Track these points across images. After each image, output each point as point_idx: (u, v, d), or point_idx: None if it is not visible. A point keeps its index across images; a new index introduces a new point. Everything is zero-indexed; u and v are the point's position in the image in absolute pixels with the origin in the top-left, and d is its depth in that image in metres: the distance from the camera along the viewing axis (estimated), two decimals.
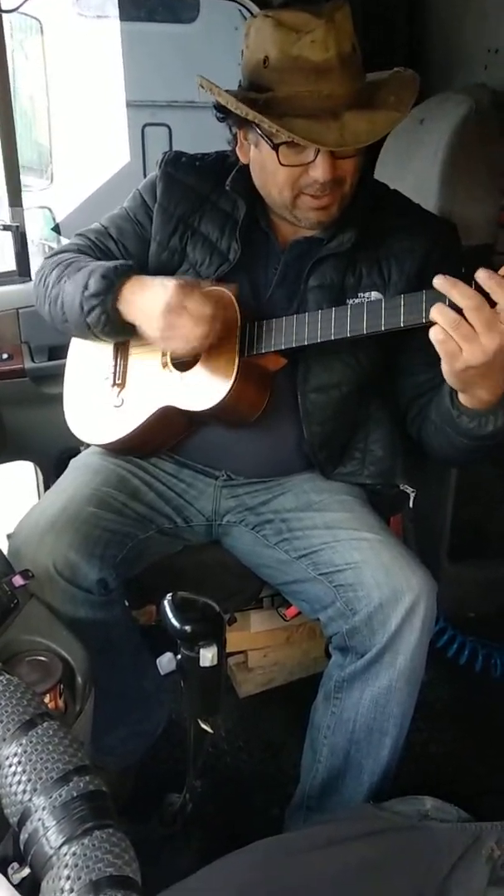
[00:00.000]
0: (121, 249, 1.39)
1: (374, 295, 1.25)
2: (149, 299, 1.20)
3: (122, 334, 1.28)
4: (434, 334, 0.97)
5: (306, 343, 1.19)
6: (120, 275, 1.23)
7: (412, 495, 1.35)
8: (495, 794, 1.52)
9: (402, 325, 1.08)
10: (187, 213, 1.32)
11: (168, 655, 1.05)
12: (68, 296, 1.29)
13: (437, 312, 0.96)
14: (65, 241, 1.46)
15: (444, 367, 1.01)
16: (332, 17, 1.07)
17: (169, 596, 1.03)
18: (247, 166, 1.26)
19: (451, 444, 1.18)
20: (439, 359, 1.01)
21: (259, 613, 1.64)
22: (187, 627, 1.00)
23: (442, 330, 0.96)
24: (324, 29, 1.06)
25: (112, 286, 1.23)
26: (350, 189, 1.19)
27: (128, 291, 1.23)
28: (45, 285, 1.36)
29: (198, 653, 1.00)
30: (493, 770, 1.61)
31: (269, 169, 1.18)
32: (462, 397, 1.09)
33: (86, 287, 1.24)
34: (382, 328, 1.10)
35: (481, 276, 0.93)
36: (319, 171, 1.12)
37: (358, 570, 1.20)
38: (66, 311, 1.30)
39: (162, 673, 1.05)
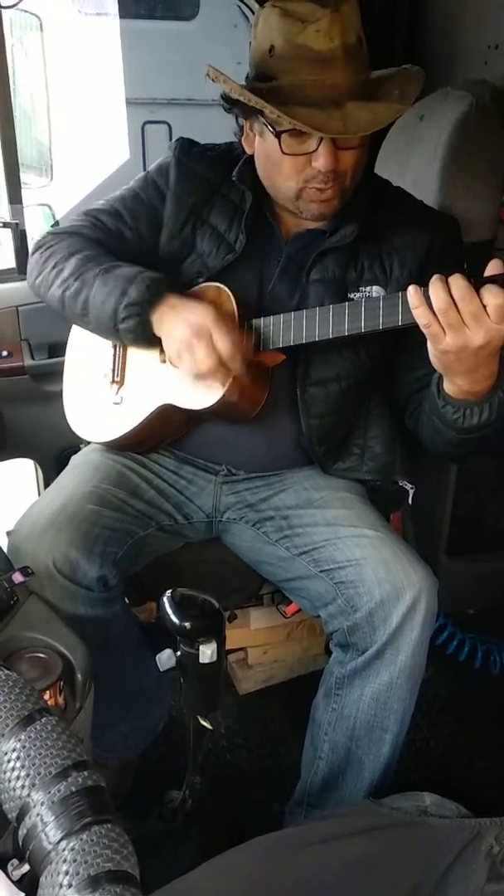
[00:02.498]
0: (135, 236, 1.36)
1: (376, 289, 1.25)
2: (185, 312, 1.18)
3: (147, 344, 1.25)
4: (420, 317, 0.99)
5: (304, 341, 1.19)
6: (163, 288, 1.21)
7: (411, 492, 1.36)
8: (495, 790, 1.53)
9: (399, 323, 1.08)
10: (199, 203, 1.32)
11: (167, 652, 1.05)
12: (98, 296, 1.24)
13: (433, 293, 0.97)
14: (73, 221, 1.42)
15: (429, 348, 1.02)
16: (338, 7, 1.08)
17: (169, 592, 1.03)
18: (252, 158, 1.26)
19: (441, 435, 1.18)
20: None
21: (259, 610, 1.64)
22: (187, 624, 1.00)
23: (427, 313, 0.98)
24: (329, 19, 1.07)
25: (153, 298, 1.20)
26: (352, 182, 1.19)
27: (167, 306, 1.20)
28: (54, 267, 1.31)
29: (197, 649, 1.00)
30: (493, 766, 1.62)
31: (273, 159, 1.18)
32: (446, 385, 1.10)
33: (124, 294, 1.21)
34: (381, 327, 1.11)
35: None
36: (322, 160, 1.12)
37: (359, 566, 1.21)
38: (91, 310, 1.26)
39: (161, 669, 1.06)
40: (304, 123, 1.07)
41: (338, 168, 1.14)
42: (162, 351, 1.30)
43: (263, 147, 1.20)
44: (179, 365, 1.20)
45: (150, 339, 1.23)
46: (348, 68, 1.09)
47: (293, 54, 1.09)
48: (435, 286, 0.97)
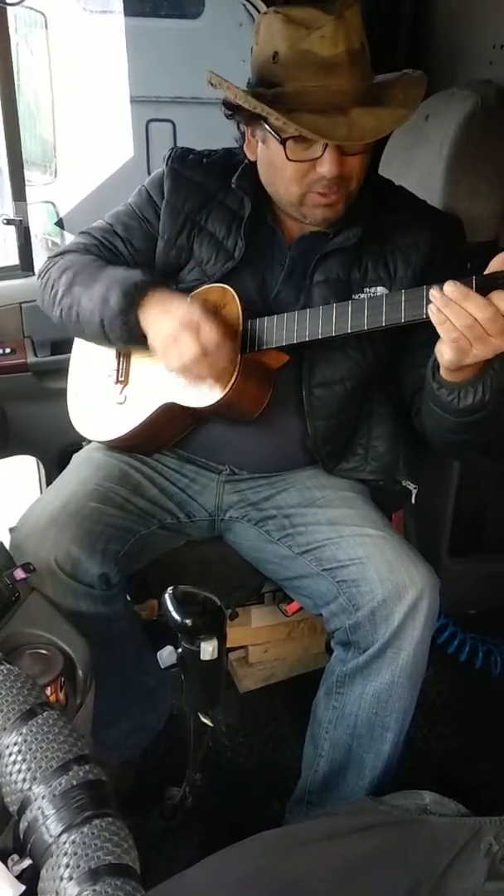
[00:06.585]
0: (128, 248, 1.38)
1: (380, 290, 1.25)
2: (172, 309, 1.19)
3: (141, 345, 1.27)
4: (446, 333, 0.98)
5: (307, 339, 1.19)
6: (141, 290, 1.22)
7: (414, 492, 1.36)
8: (494, 789, 1.53)
9: (402, 320, 1.08)
10: (194, 210, 1.32)
11: (169, 649, 1.05)
12: (86, 310, 1.27)
13: (453, 315, 0.96)
14: (69, 238, 1.45)
15: (449, 356, 1.01)
16: (342, 13, 1.08)
17: (170, 589, 1.03)
18: (253, 164, 1.26)
19: (440, 423, 1.18)
20: None
21: (260, 609, 1.64)
22: (188, 621, 1.00)
23: (454, 328, 0.97)
24: (333, 25, 1.07)
25: (133, 303, 1.22)
26: (356, 186, 1.19)
27: (149, 306, 1.22)
28: (51, 289, 1.35)
29: (198, 646, 1.00)
30: (493, 765, 1.62)
31: (276, 165, 1.18)
32: (445, 372, 1.08)
33: (105, 302, 1.23)
34: (384, 324, 1.11)
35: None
36: (327, 166, 1.12)
37: (361, 565, 1.21)
38: (83, 323, 1.29)
39: (162, 666, 1.06)
40: (309, 130, 1.07)
41: (342, 173, 1.14)
42: None
43: (267, 153, 1.20)
44: (167, 361, 1.20)
45: (142, 341, 1.24)
46: (353, 74, 1.09)
47: (298, 60, 1.09)
48: (452, 308, 0.96)
